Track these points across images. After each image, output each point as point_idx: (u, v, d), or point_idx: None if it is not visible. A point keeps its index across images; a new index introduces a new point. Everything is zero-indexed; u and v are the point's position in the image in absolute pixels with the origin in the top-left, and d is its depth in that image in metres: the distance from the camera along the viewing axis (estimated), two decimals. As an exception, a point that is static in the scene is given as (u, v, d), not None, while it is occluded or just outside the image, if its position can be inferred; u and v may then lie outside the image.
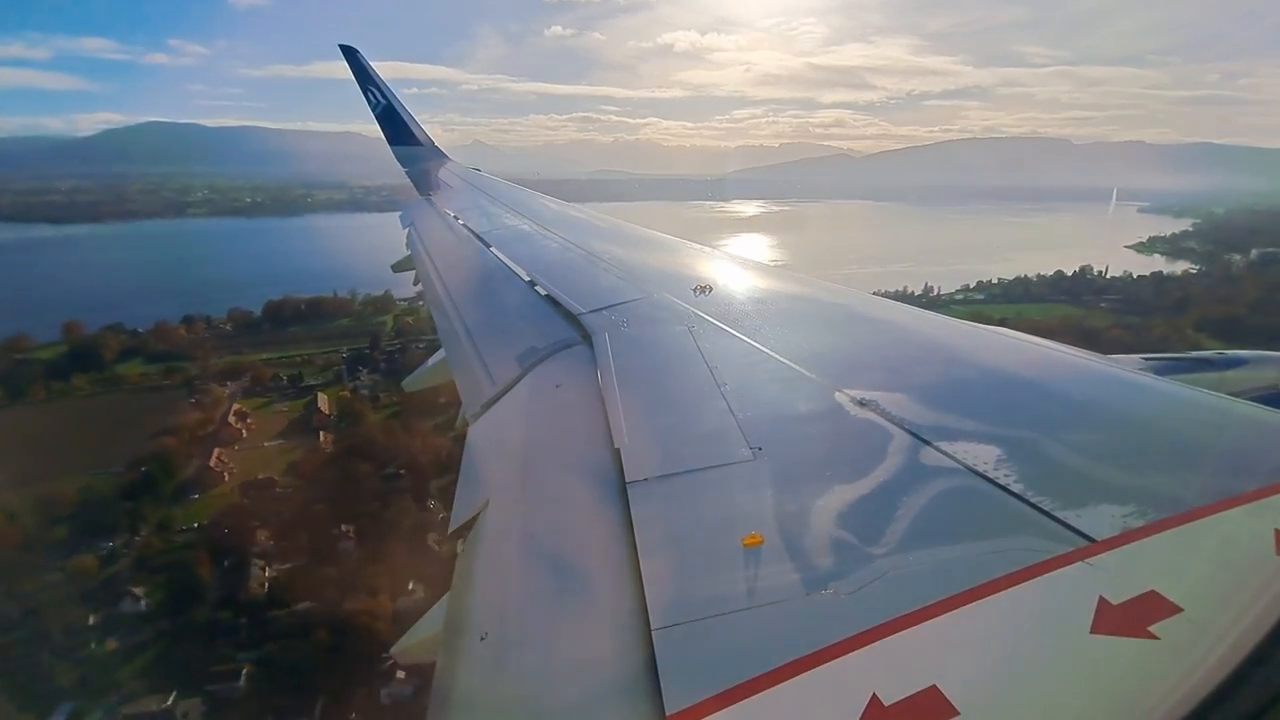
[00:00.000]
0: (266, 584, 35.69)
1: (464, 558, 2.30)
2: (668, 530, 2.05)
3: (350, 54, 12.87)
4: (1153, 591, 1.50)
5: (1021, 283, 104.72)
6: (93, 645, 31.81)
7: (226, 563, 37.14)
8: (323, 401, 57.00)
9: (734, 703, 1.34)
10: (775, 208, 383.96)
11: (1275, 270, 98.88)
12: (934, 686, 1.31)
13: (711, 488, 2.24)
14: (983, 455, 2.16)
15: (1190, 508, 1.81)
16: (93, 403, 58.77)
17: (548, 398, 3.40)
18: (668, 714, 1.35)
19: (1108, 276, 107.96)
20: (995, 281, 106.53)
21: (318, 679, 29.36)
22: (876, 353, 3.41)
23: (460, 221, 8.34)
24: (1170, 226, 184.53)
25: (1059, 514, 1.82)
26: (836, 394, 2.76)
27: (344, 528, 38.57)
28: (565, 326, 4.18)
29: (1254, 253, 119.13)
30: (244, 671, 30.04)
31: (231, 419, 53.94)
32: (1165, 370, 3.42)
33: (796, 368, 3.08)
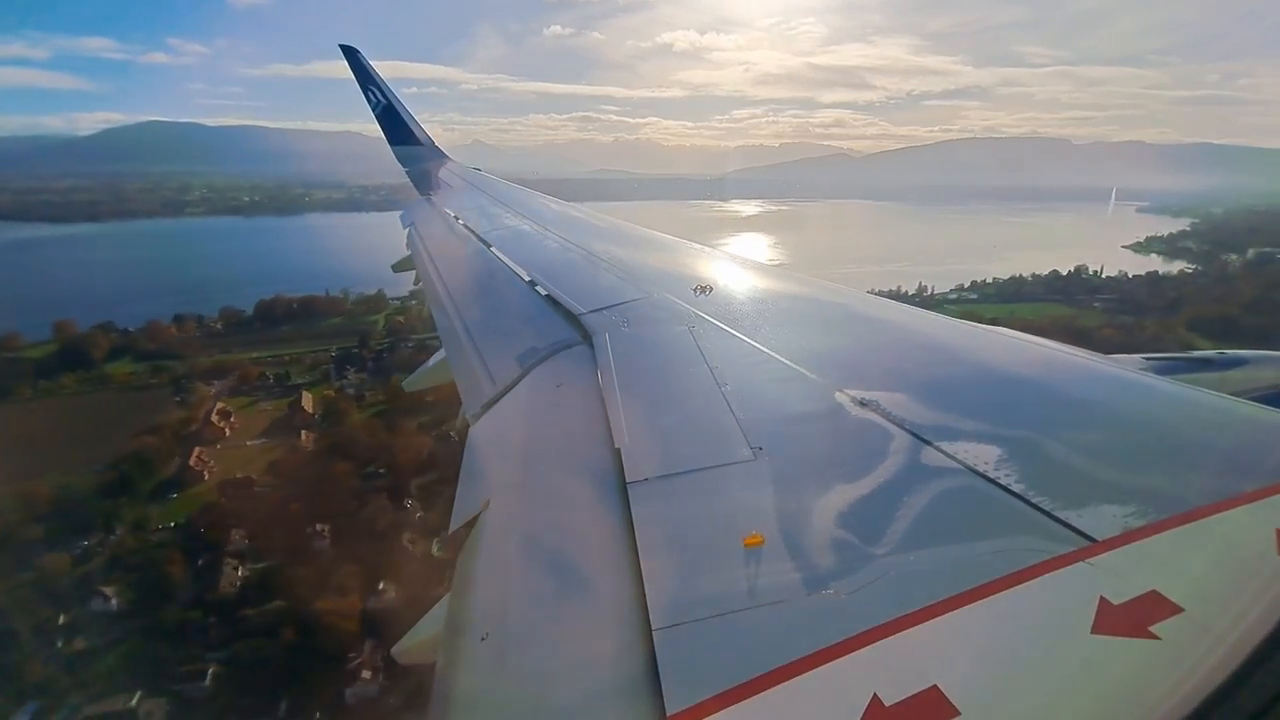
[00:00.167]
0: (239, 583, 35.57)
1: (464, 558, 2.30)
2: (668, 530, 2.05)
3: (350, 54, 12.88)
4: (1154, 591, 1.50)
5: (1016, 282, 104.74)
6: (60, 645, 31.52)
7: (200, 562, 37.08)
8: (307, 400, 56.75)
9: (734, 703, 1.34)
10: (775, 207, 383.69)
11: (1271, 270, 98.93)
12: (935, 687, 1.30)
13: (712, 488, 2.24)
14: (983, 455, 2.16)
15: (1191, 508, 1.81)
16: (79, 401, 58.47)
17: (548, 398, 3.40)
18: (668, 714, 1.34)
19: (1103, 276, 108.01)
20: (990, 281, 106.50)
21: (284, 679, 29.34)
22: (877, 353, 3.41)
23: (460, 221, 8.33)
24: (1168, 226, 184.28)
25: (1060, 514, 1.82)
26: (837, 394, 2.76)
27: (319, 527, 38.40)
28: (565, 326, 4.18)
29: (1251, 252, 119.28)
30: (210, 671, 29.92)
31: (214, 418, 53.67)
32: (1166, 370, 3.41)
33: (797, 368, 3.07)
